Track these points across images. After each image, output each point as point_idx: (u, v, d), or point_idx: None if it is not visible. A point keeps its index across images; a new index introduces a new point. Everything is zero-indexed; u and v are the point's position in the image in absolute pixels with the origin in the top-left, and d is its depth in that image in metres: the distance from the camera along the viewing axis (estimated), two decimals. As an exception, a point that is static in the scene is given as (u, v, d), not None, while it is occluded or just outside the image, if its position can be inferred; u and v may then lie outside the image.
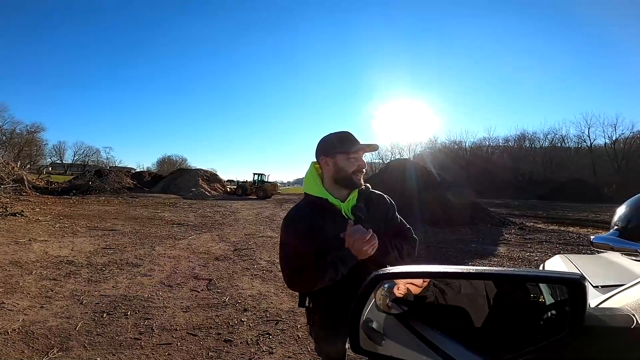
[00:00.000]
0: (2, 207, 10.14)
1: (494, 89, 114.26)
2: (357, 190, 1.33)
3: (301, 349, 2.73)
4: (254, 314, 3.38)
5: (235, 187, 28.53)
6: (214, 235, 8.03)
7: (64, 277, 4.26)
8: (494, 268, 0.67)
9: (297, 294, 1.48)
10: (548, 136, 54.98)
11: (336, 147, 1.30)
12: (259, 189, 26.13)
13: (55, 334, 2.75)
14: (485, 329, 0.68)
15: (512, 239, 8.64)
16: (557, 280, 0.59)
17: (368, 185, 1.38)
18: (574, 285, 0.53)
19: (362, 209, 1.29)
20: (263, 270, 5.02)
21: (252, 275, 4.72)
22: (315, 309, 1.39)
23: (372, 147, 1.33)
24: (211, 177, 31.39)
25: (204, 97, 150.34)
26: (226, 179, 34.85)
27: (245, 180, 29.50)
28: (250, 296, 3.87)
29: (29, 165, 41.19)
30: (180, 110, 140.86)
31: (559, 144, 54.26)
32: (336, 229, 1.23)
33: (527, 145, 56.90)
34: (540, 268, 2.11)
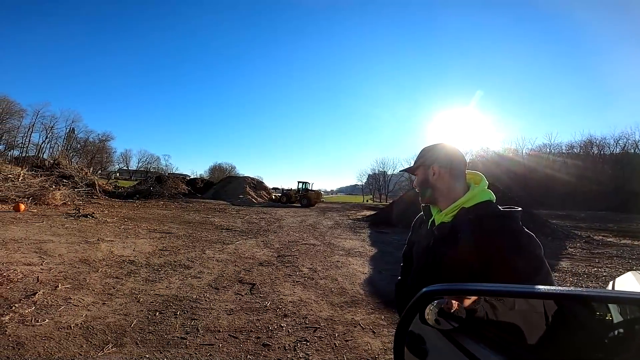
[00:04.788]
0: (76, 209, 11.41)
1: (555, 92, 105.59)
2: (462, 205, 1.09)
3: (337, 357, 2.69)
4: (294, 319, 3.40)
5: (280, 194, 29.22)
6: (259, 241, 8.26)
7: (125, 275, 4.63)
8: (555, 287, 0.61)
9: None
10: (619, 142, 49.38)
11: None
12: (302, 197, 26.50)
13: (112, 330, 2.96)
14: (540, 346, 0.63)
15: (577, 254, 7.87)
16: (626, 301, 0.53)
17: (481, 204, 1.06)
18: None
19: (445, 229, 1.07)
20: (305, 277, 5.06)
21: (293, 282, 4.77)
22: None
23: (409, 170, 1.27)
24: (257, 185, 32.50)
25: (252, 107, 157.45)
26: (271, 187, 35.91)
27: (289, 188, 30.12)
28: (291, 302, 3.90)
29: (99, 171, 45.94)
30: (230, 120, 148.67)
31: (632, 150, 48.38)
32: (419, 236, 1.22)
33: (595, 151, 51.60)
34: (610, 285, 1.93)
